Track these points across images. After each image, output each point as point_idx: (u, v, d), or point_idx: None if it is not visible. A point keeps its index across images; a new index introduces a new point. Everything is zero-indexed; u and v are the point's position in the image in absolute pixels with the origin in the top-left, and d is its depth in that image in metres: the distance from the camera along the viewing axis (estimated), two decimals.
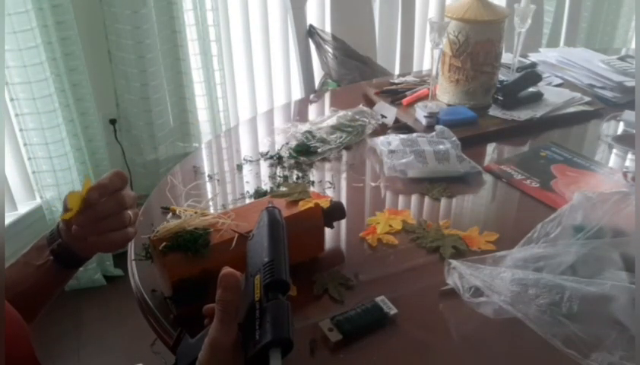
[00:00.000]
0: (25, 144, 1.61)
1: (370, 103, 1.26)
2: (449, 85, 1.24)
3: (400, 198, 0.95)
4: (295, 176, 1.00)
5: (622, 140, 1.13)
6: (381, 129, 1.17)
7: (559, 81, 1.41)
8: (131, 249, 0.80)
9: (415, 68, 2.30)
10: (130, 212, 0.65)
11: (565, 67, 1.45)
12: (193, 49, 1.88)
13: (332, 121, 1.16)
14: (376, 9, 2.12)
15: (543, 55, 1.53)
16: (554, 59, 1.49)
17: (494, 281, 0.68)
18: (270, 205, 0.58)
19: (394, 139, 1.06)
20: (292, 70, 2.21)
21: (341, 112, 1.19)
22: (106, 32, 1.76)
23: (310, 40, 1.76)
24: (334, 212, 0.77)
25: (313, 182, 0.99)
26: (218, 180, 1.00)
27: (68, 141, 1.63)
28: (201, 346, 0.47)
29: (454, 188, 0.97)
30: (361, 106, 1.22)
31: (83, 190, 0.62)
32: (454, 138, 1.06)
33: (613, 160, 1.09)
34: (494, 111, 1.22)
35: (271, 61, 2.19)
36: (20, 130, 1.58)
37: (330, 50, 1.77)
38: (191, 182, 0.98)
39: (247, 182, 0.99)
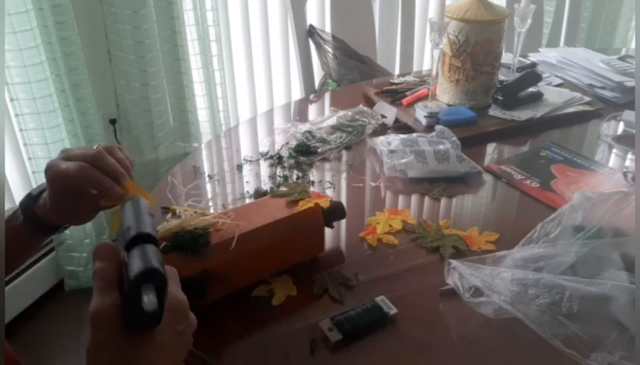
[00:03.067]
0: (25, 144, 1.61)
1: (370, 103, 1.26)
2: (449, 85, 1.24)
3: (400, 198, 0.95)
4: (295, 176, 1.00)
5: (622, 140, 1.13)
6: (381, 129, 1.17)
7: (559, 81, 1.41)
8: None
9: (415, 68, 2.30)
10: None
11: (565, 67, 1.46)
12: (193, 49, 1.88)
13: (332, 121, 1.16)
14: (376, 9, 2.12)
15: (543, 55, 1.53)
16: (554, 59, 1.49)
17: (494, 281, 0.68)
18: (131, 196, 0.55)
19: (394, 139, 1.06)
20: (292, 70, 2.21)
21: (341, 112, 1.19)
22: (106, 32, 1.76)
23: (310, 40, 1.76)
24: (334, 212, 0.77)
25: (313, 182, 0.99)
26: (218, 180, 1.00)
27: (68, 141, 1.63)
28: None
29: (454, 188, 0.97)
30: (361, 106, 1.22)
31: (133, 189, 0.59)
32: (454, 138, 1.06)
33: (613, 160, 1.09)
34: (494, 111, 1.22)
35: (271, 61, 2.19)
36: (20, 130, 1.58)
37: (330, 50, 1.77)
38: (191, 182, 0.98)
39: (247, 182, 0.99)
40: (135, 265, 0.43)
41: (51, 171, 0.59)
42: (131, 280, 0.42)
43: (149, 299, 0.41)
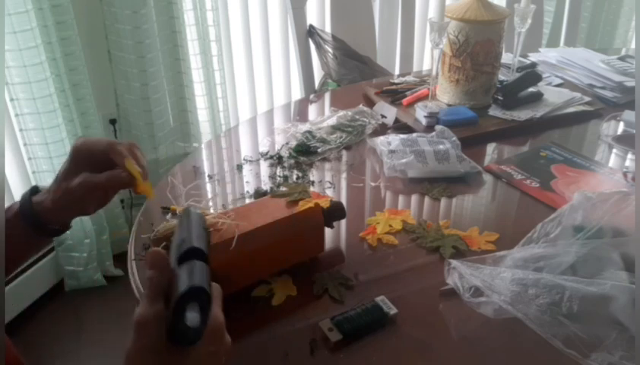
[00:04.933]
0: (25, 144, 1.61)
1: (370, 103, 1.26)
2: (449, 85, 1.24)
3: (400, 198, 0.95)
4: (295, 176, 1.00)
5: (622, 140, 1.13)
6: (381, 129, 1.17)
7: (559, 81, 1.41)
8: (131, 249, 0.80)
9: (415, 68, 2.30)
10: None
11: (565, 67, 1.46)
12: (193, 49, 1.87)
13: (332, 121, 1.16)
14: (376, 9, 2.12)
15: (543, 55, 1.53)
16: (554, 59, 1.49)
17: (494, 281, 0.68)
18: (187, 207, 0.60)
19: (394, 139, 1.06)
20: (292, 70, 2.21)
21: (341, 112, 1.19)
22: (106, 32, 1.76)
23: (310, 40, 1.76)
24: (334, 212, 0.77)
25: (313, 182, 0.99)
26: (218, 180, 1.00)
27: (68, 141, 1.63)
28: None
29: (454, 188, 0.97)
30: (361, 106, 1.22)
31: (131, 166, 0.64)
32: (454, 138, 1.06)
33: (613, 160, 1.09)
34: (494, 111, 1.22)
35: (271, 61, 2.19)
36: (20, 130, 1.58)
37: (330, 50, 1.77)
38: (191, 182, 0.98)
39: (247, 182, 0.99)
40: (183, 281, 0.45)
41: (80, 141, 0.65)
42: (177, 296, 0.44)
43: (192, 317, 0.43)
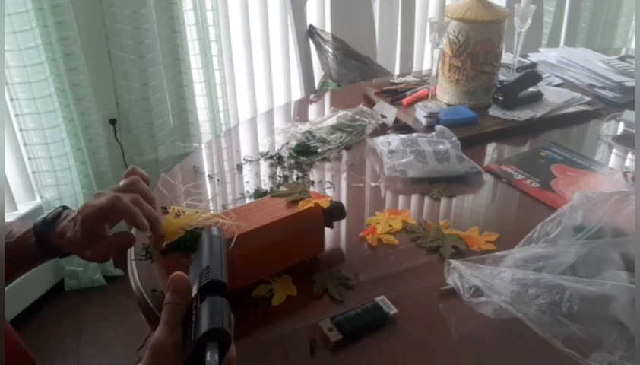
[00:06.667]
0: (25, 144, 1.61)
1: (370, 103, 1.26)
2: (449, 85, 1.24)
3: (400, 198, 0.95)
4: (295, 176, 1.00)
5: (622, 140, 1.13)
6: (381, 129, 1.17)
7: (559, 81, 1.41)
8: (131, 249, 0.79)
9: (415, 68, 2.30)
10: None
11: (565, 67, 1.46)
12: (193, 49, 1.88)
13: (332, 121, 1.16)
14: (376, 9, 2.12)
15: (543, 55, 1.53)
16: (554, 59, 1.49)
17: (494, 281, 0.68)
18: (211, 226, 0.63)
19: (394, 139, 1.06)
20: (292, 70, 2.21)
21: (341, 112, 1.19)
22: (106, 32, 1.76)
23: (310, 40, 1.76)
24: (334, 212, 0.77)
25: (313, 182, 0.99)
26: (218, 180, 1.00)
27: (68, 141, 1.63)
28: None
29: (454, 188, 0.97)
30: (361, 106, 1.22)
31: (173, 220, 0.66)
32: (454, 138, 1.06)
33: (613, 160, 1.09)
34: (494, 111, 1.22)
35: (271, 61, 2.19)
36: (20, 130, 1.58)
37: (330, 50, 1.77)
38: (191, 182, 0.98)
39: (247, 182, 0.99)
40: (205, 319, 0.45)
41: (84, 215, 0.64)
42: (199, 335, 0.44)
43: (212, 358, 0.43)
